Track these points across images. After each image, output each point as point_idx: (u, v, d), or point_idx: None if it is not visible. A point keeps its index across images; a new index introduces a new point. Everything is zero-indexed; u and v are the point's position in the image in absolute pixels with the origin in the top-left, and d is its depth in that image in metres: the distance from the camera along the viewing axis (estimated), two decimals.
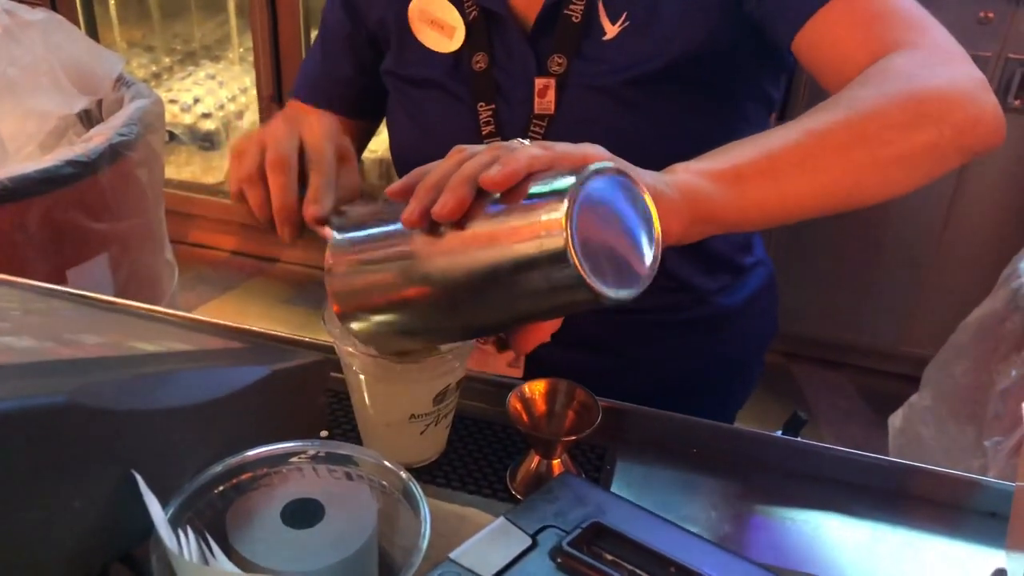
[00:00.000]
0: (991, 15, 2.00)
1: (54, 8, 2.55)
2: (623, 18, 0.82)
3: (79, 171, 1.52)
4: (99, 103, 1.87)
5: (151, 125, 1.71)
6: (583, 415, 0.72)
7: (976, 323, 1.45)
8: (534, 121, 0.84)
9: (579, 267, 0.49)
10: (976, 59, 2.12)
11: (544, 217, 0.49)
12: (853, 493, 0.77)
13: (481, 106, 0.86)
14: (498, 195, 0.53)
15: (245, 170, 0.69)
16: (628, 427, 0.81)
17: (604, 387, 0.74)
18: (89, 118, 1.90)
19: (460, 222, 0.53)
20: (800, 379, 2.58)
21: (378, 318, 0.59)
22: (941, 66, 0.70)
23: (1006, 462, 1.24)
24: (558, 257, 0.49)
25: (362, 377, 0.69)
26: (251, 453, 0.46)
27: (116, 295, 1.71)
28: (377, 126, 1.03)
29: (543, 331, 0.59)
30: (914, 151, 0.66)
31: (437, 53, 0.87)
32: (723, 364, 1.00)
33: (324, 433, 0.76)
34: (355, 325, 0.60)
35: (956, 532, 0.75)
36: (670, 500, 0.76)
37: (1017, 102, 2.10)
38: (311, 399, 0.55)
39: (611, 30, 0.82)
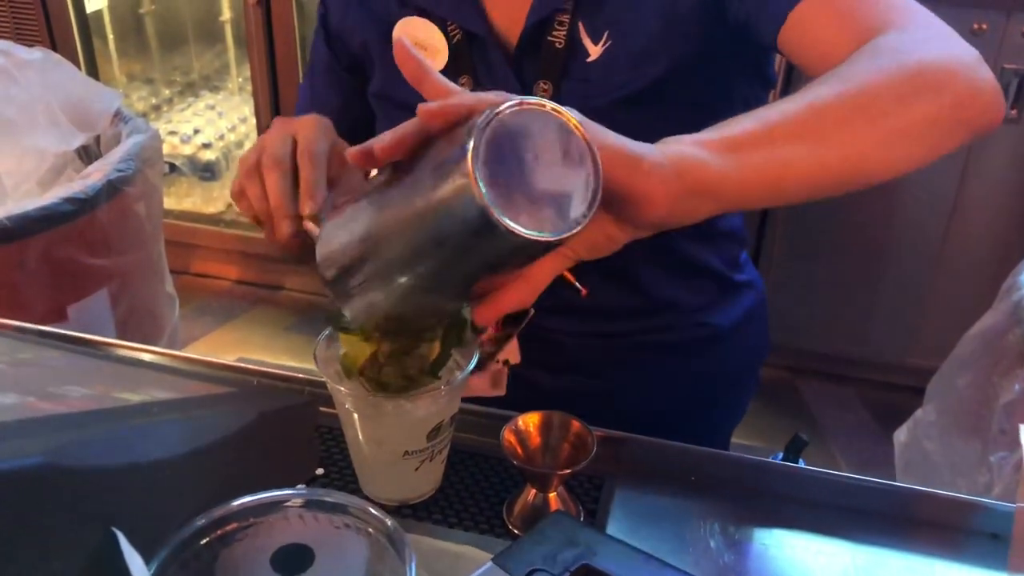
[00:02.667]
0: (985, 26, 2.01)
1: (53, 43, 2.57)
2: (605, 37, 0.81)
3: (77, 208, 1.53)
4: (97, 139, 1.88)
5: (148, 160, 1.72)
6: (578, 447, 0.71)
7: (978, 336, 1.45)
8: None
9: (485, 202, 0.46)
10: None
11: (453, 151, 0.47)
12: (854, 517, 0.76)
13: None
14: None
15: (244, 170, 0.71)
16: (625, 456, 0.80)
17: (592, 410, 0.74)
18: (88, 154, 1.91)
19: (404, 167, 0.52)
20: (805, 394, 2.57)
21: (350, 285, 0.58)
22: (933, 41, 0.68)
23: (1011, 478, 1.23)
24: (465, 193, 0.46)
25: (355, 415, 0.68)
26: (235, 504, 0.46)
27: (117, 330, 1.71)
28: None
29: (501, 302, 0.57)
30: (915, 122, 0.63)
31: None
32: (714, 385, 1.00)
33: (320, 471, 0.75)
34: (339, 298, 0.59)
35: (958, 555, 0.74)
36: (670, 529, 0.75)
37: (1014, 111, 2.10)
38: (301, 440, 0.54)
39: (594, 51, 0.82)
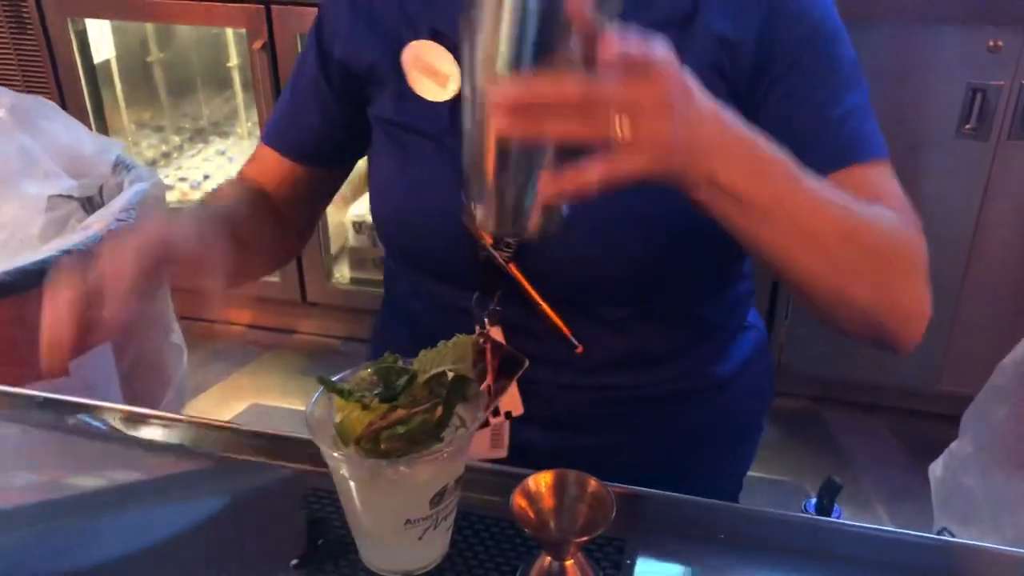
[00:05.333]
0: (1000, 43, 1.96)
1: (61, 93, 2.57)
2: None
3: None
4: (100, 189, 1.86)
5: (152, 208, 1.70)
6: (596, 508, 0.66)
7: (1014, 365, 1.38)
8: None
9: None
10: (987, 89, 2.06)
11: None
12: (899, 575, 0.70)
13: None
14: None
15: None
16: (648, 515, 0.75)
17: (592, 466, 0.68)
18: (92, 205, 1.89)
19: None
20: (833, 425, 2.50)
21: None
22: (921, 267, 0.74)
23: None
24: None
25: (351, 483, 0.63)
26: None
27: (121, 383, 1.67)
28: (343, 177, 1.00)
29: (569, 178, 0.57)
30: (852, 278, 0.70)
31: (433, 103, 0.83)
32: (718, 434, 0.94)
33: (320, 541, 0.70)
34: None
35: None
36: None
37: None
38: (286, 519, 0.49)
39: None
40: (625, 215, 0.77)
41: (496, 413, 0.84)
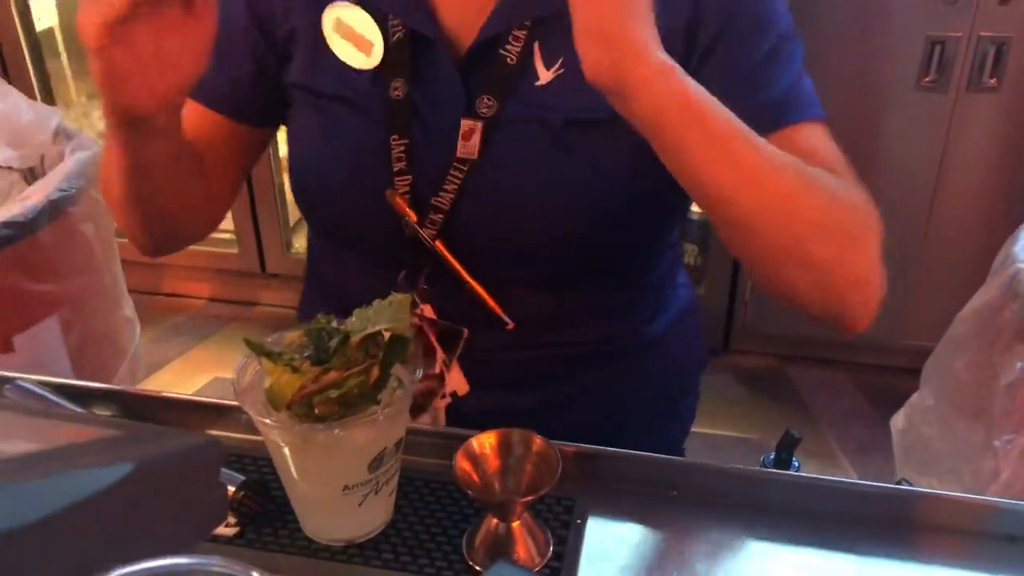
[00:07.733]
0: None
1: (3, 65, 2.48)
2: (558, 64, 0.75)
3: (16, 232, 1.45)
4: (42, 159, 1.80)
5: (94, 177, 1.64)
6: (541, 467, 0.64)
7: (973, 314, 1.38)
8: (455, 164, 0.76)
9: None
10: (946, 41, 2.04)
11: None
12: (856, 526, 0.69)
13: (394, 139, 0.77)
14: None
15: None
16: (597, 473, 0.72)
17: (538, 429, 0.66)
18: (34, 176, 1.82)
19: None
20: (797, 381, 2.50)
21: None
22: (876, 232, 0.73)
23: (1019, 461, 1.16)
24: None
25: (285, 449, 0.60)
26: None
27: (71, 358, 1.63)
28: (270, 137, 0.92)
29: None
30: (809, 237, 0.67)
31: (352, 69, 0.79)
32: (654, 392, 0.92)
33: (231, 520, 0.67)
34: None
35: (974, 561, 0.67)
36: (651, 553, 0.67)
37: (992, 80, 2.04)
38: (201, 491, 0.46)
39: (544, 75, 0.75)
40: (551, 184, 0.75)
41: (443, 395, 0.81)
